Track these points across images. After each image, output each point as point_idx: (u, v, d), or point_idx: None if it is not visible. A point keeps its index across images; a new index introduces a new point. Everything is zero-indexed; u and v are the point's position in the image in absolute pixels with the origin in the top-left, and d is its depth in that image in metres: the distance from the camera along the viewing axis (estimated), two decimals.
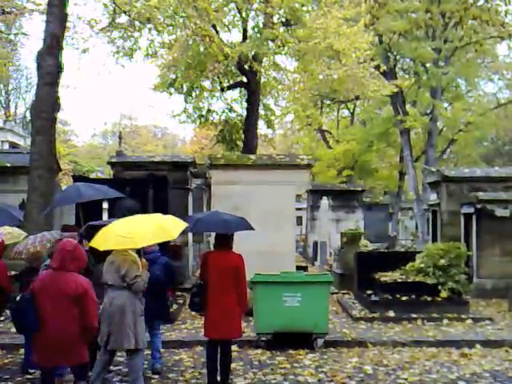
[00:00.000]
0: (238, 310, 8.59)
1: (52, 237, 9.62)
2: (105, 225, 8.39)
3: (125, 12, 19.31)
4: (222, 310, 8.43)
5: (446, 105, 36.29)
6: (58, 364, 7.07)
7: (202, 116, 28.25)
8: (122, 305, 7.66)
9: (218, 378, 8.53)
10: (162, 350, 9.70)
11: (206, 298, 8.54)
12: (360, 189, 28.89)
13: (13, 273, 10.19)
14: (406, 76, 34.23)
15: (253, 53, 22.05)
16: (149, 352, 9.52)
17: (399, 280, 14.09)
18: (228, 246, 8.75)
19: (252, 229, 9.45)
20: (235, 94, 28.69)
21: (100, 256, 9.32)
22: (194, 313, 12.86)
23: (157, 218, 8.10)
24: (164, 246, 10.11)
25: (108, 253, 8.73)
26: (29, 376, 9.13)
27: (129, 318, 7.64)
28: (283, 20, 23.32)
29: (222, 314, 8.43)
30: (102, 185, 11.09)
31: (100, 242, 7.70)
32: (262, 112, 27.72)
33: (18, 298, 6.91)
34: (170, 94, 26.35)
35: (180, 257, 16.35)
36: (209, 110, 28.24)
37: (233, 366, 9.29)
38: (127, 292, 7.72)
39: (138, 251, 8.02)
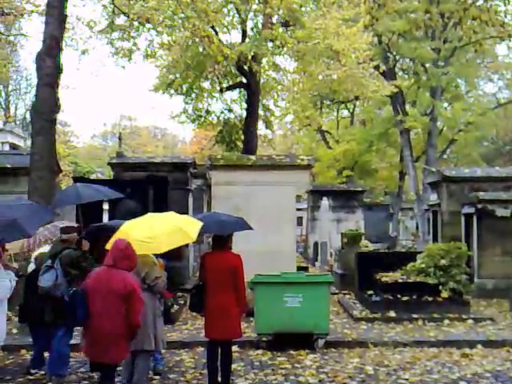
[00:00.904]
0: (237, 310, 8.54)
1: (53, 235, 9.64)
2: (108, 226, 8.41)
3: (124, 13, 19.31)
4: (219, 310, 8.41)
5: (445, 105, 36.30)
6: (101, 361, 7.03)
7: (201, 116, 28.28)
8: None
9: (219, 379, 8.51)
10: (163, 350, 9.69)
11: (205, 299, 8.54)
12: (360, 189, 28.89)
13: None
14: (406, 76, 34.28)
15: (252, 53, 22.04)
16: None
17: (400, 280, 14.08)
18: (224, 246, 8.71)
19: (250, 228, 9.44)
20: (235, 94, 28.75)
21: (100, 257, 9.38)
22: (194, 313, 12.89)
23: (173, 219, 8.14)
24: None
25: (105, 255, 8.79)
26: (30, 377, 9.12)
27: (150, 318, 7.73)
28: (282, 21, 23.32)
29: (220, 315, 8.41)
30: (98, 184, 11.10)
31: None
32: (261, 113, 27.73)
33: (71, 293, 7.12)
34: (170, 94, 26.36)
35: (180, 258, 16.33)
36: (208, 111, 28.27)
37: (234, 366, 9.28)
38: (148, 293, 7.76)
39: None
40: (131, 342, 7.18)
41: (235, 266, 8.50)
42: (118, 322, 6.79)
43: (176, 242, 7.92)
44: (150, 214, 8.55)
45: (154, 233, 7.66)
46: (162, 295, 8.06)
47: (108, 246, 7.79)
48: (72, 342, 9.20)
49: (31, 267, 9.47)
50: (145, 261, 7.84)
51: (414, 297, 13.62)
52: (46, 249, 9.34)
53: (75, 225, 10.10)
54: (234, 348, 10.76)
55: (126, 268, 6.98)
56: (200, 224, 8.15)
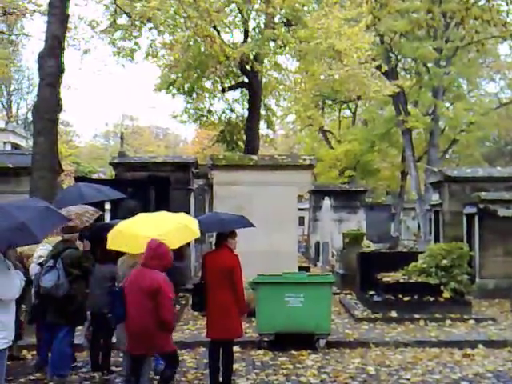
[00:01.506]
0: (236, 310, 8.54)
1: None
2: (110, 226, 8.43)
3: (126, 13, 19.31)
4: (219, 309, 8.43)
5: (447, 105, 36.22)
6: (142, 353, 7.43)
7: (203, 116, 28.29)
8: None
9: (220, 379, 8.51)
10: None
11: (206, 298, 8.55)
12: (362, 189, 28.90)
13: None
14: (408, 76, 34.23)
15: (254, 53, 22.03)
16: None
17: (401, 280, 14.08)
18: (223, 244, 8.71)
19: (252, 226, 9.44)
20: (236, 94, 28.73)
21: (102, 257, 9.40)
22: (196, 313, 12.93)
23: (172, 217, 8.24)
24: None
25: (108, 254, 8.86)
26: (31, 377, 9.13)
27: None
28: (284, 20, 23.30)
29: (220, 314, 8.42)
30: (99, 184, 11.10)
31: (132, 245, 7.83)
32: (263, 112, 27.72)
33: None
34: (172, 94, 26.35)
35: (182, 257, 16.31)
36: (210, 111, 28.27)
37: (235, 366, 9.29)
38: None
39: None
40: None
41: (231, 265, 8.48)
42: (148, 318, 7.10)
43: (185, 238, 7.99)
44: (144, 214, 8.57)
45: (162, 230, 7.69)
46: None
47: (109, 245, 7.86)
48: (74, 341, 9.22)
49: (33, 267, 9.46)
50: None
51: (416, 297, 13.62)
52: (46, 248, 9.32)
53: (96, 211, 10.09)
54: (236, 348, 10.75)
55: (157, 267, 7.24)
56: (196, 221, 8.18)
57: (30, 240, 6.47)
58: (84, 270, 9.00)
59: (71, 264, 8.80)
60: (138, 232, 7.76)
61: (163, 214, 8.54)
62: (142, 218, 8.32)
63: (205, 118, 28.50)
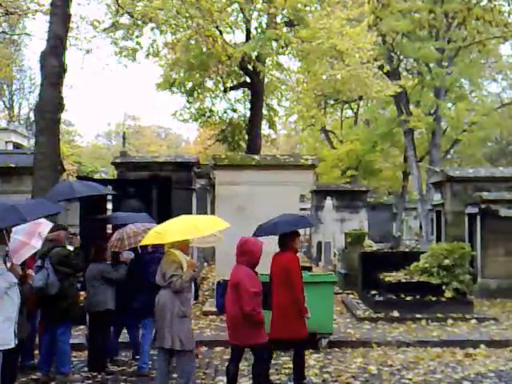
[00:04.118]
0: (293, 311, 8.56)
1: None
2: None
3: (128, 12, 19.32)
4: (277, 309, 8.56)
5: (449, 105, 36.21)
6: (235, 343, 7.99)
7: (204, 115, 28.29)
8: (163, 304, 7.78)
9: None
10: None
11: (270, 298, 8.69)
12: (364, 189, 28.87)
13: None
14: (410, 76, 34.15)
15: (256, 53, 22.03)
16: (154, 352, 9.54)
17: (403, 280, 14.09)
18: (290, 245, 8.83)
19: (311, 226, 9.67)
20: (238, 94, 28.75)
21: (93, 256, 9.50)
22: (198, 313, 12.96)
23: (198, 219, 8.57)
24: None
25: (97, 253, 9.10)
26: (33, 376, 9.14)
27: (167, 317, 7.72)
28: (286, 20, 23.31)
29: (278, 314, 8.56)
30: (101, 184, 11.14)
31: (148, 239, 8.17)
32: (265, 112, 27.72)
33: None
34: (173, 93, 26.36)
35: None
36: (211, 110, 28.28)
37: None
38: (169, 291, 7.78)
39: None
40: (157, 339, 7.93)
41: (288, 267, 8.63)
42: (235, 310, 7.71)
43: (184, 235, 7.95)
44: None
45: (169, 227, 7.89)
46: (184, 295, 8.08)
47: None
48: (76, 341, 9.24)
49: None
50: (167, 259, 7.93)
51: (418, 297, 13.63)
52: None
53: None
54: None
55: (244, 263, 7.77)
56: (224, 225, 8.17)
57: (16, 219, 6.57)
58: (73, 267, 9.05)
59: (59, 262, 8.88)
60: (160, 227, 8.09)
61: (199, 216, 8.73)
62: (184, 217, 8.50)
63: (206, 118, 28.51)
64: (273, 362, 10.12)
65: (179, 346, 7.68)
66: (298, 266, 8.73)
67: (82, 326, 10.99)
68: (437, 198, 20.80)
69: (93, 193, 10.04)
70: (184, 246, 7.97)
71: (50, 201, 8.23)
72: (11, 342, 6.73)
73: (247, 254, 7.77)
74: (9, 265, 6.88)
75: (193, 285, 8.18)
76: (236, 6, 22.96)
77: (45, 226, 8.44)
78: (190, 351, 7.83)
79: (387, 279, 14.19)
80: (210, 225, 8.15)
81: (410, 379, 9.14)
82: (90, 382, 9.08)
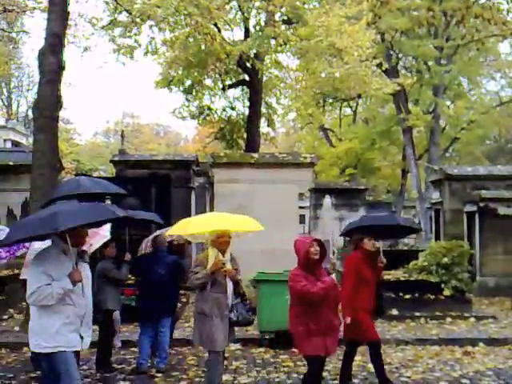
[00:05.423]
0: (364, 313, 8.51)
1: None
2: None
3: (126, 10, 19.30)
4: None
5: (448, 103, 36.19)
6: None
7: (202, 113, 28.27)
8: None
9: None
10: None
11: None
12: (363, 187, 28.82)
13: None
14: (409, 74, 34.19)
15: (254, 51, 22.02)
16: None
17: (402, 278, 14.10)
18: (359, 245, 8.89)
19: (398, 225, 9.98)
20: (237, 92, 28.74)
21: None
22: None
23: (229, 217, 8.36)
24: (168, 245, 10.18)
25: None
26: (32, 374, 9.13)
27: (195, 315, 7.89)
28: (285, 18, 23.30)
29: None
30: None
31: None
32: (264, 110, 27.70)
33: None
34: (172, 90, 26.35)
35: (183, 255, 16.32)
36: (210, 108, 28.26)
37: (236, 364, 9.29)
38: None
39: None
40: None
41: (345, 266, 8.88)
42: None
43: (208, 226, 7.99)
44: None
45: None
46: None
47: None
48: None
49: None
50: (199, 255, 8.07)
51: (416, 295, 13.64)
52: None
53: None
54: (237, 346, 10.80)
55: (298, 263, 7.73)
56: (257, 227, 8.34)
57: (47, 228, 5.82)
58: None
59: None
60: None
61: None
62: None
63: (205, 116, 28.49)
64: (271, 360, 10.17)
65: (197, 342, 7.78)
66: (353, 267, 8.61)
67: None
68: (435, 196, 20.80)
69: (98, 190, 9.89)
70: (221, 244, 7.80)
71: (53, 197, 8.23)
72: (77, 345, 6.30)
73: (296, 254, 7.74)
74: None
75: (230, 284, 7.79)
76: (234, 3, 22.98)
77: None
78: (210, 352, 7.72)
79: (386, 277, 14.16)
80: (239, 223, 8.20)
81: (409, 377, 9.13)
82: (89, 380, 9.06)
